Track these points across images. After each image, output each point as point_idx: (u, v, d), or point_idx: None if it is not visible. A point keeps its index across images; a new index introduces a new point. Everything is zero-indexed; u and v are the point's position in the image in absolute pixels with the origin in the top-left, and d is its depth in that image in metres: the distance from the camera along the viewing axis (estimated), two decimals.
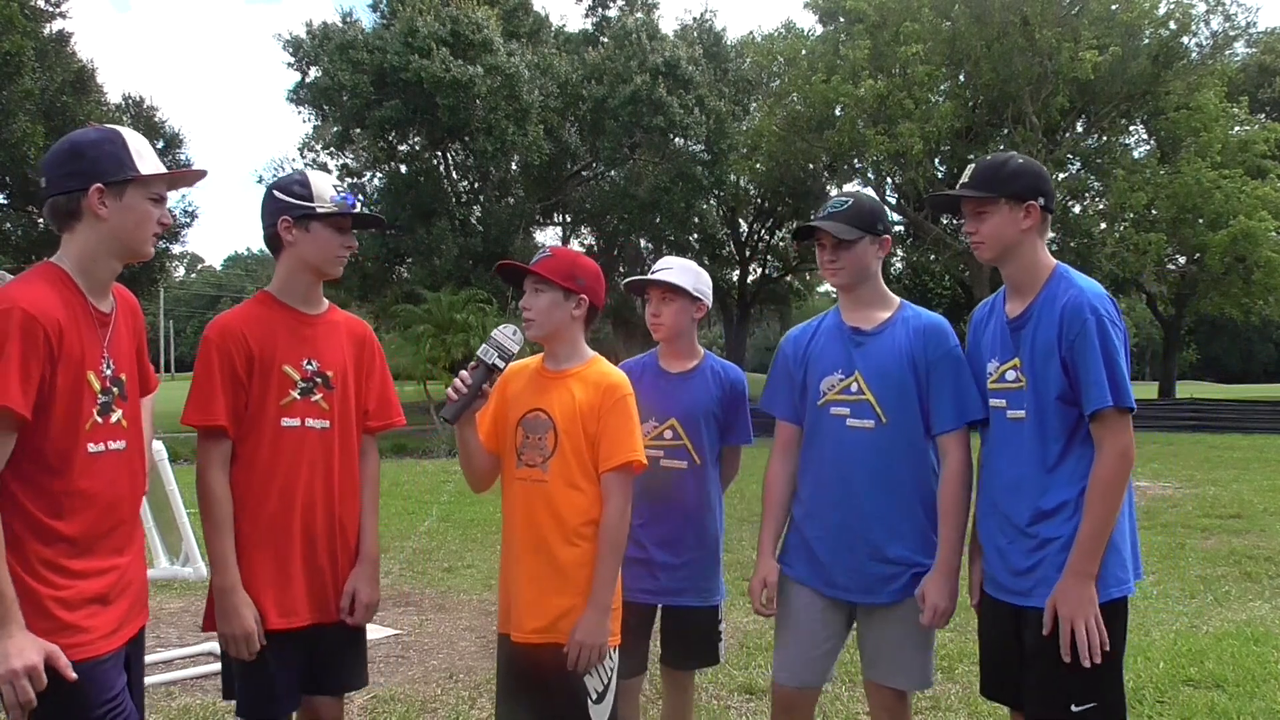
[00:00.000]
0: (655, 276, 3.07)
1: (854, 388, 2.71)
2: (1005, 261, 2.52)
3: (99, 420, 2.13)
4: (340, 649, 2.61)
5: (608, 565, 2.54)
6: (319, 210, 2.51)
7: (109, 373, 2.18)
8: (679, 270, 3.10)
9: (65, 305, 2.09)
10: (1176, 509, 9.81)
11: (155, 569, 4.84)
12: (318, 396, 2.55)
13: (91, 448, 2.12)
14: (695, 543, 3.03)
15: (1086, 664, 2.30)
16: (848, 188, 31.67)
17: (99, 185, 2.11)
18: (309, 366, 2.54)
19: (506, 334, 2.54)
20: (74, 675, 1.99)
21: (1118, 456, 2.31)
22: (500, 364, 2.53)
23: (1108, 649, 2.32)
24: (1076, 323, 2.35)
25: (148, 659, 4.77)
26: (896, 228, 32.63)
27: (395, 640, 5.38)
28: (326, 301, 2.66)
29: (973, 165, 2.57)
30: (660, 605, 3.05)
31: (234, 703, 2.55)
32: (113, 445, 2.17)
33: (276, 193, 2.54)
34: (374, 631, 5.43)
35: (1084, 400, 2.34)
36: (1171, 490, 11.40)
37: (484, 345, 2.52)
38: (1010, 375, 2.50)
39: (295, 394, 2.51)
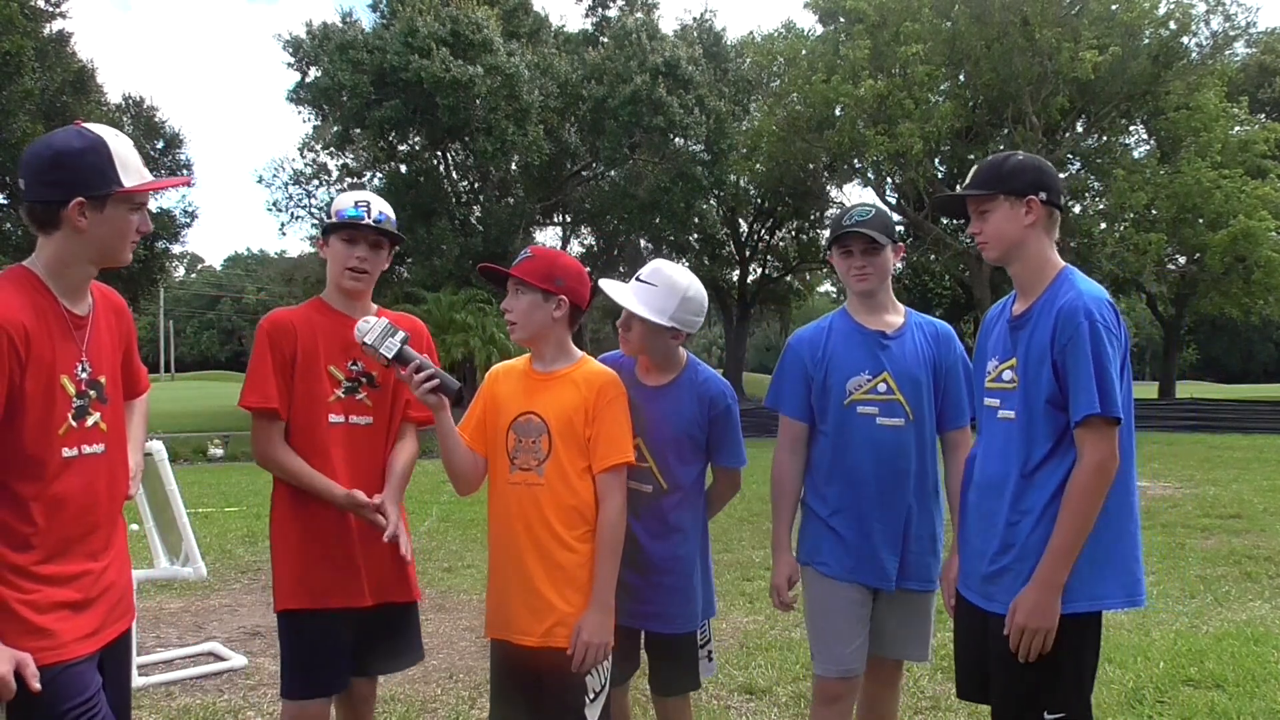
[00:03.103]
0: (624, 299, 2.71)
1: (882, 387, 2.87)
2: (1010, 260, 2.47)
3: (74, 424, 2.09)
4: (386, 632, 2.83)
5: (608, 565, 2.54)
6: (334, 221, 2.74)
7: (85, 376, 2.13)
8: (662, 291, 2.72)
9: (34, 309, 2.04)
10: (1176, 509, 9.80)
11: (155, 569, 4.84)
12: (362, 395, 2.74)
13: (66, 452, 2.07)
14: (662, 568, 2.79)
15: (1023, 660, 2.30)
16: (848, 189, 31.61)
17: (80, 199, 2.03)
18: (354, 367, 2.73)
19: (391, 333, 2.50)
20: (38, 687, 1.93)
21: (1095, 467, 2.26)
22: (388, 357, 2.48)
23: (1037, 658, 2.29)
24: (1070, 327, 2.31)
25: (148, 659, 4.82)
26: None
27: None
28: (374, 305, 2.83)
29: (975, 167, 2.56)
30: (642, 628, 2.87)
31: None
32: (88, 449, 2.12)
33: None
34: None
35: (1071, 406, 2.30)
36: (1171, 490, 11.39)
37: (386, 340, 2.48)
38: (1007, 375, 2.49)
39: (340, 393, 2.71)
